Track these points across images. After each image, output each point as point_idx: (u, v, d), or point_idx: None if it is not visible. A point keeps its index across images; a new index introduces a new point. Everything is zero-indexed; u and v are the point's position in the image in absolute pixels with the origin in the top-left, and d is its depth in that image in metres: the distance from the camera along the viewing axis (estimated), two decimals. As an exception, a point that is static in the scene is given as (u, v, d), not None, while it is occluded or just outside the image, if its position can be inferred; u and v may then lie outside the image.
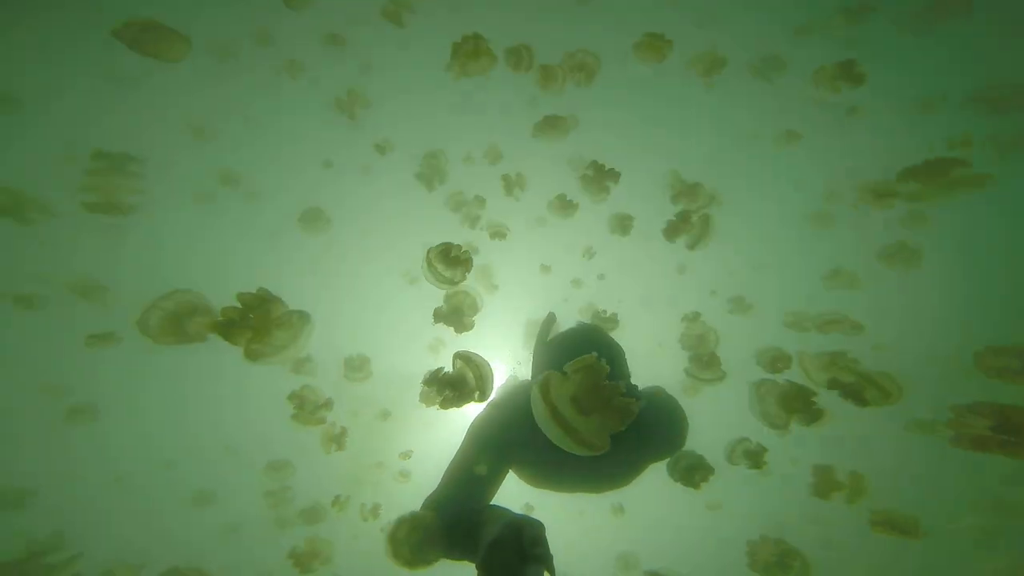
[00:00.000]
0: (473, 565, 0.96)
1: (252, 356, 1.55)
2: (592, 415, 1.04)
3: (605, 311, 3.73)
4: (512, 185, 3.94)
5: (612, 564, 4.05)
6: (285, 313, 1.58)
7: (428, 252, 1.69)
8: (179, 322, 3.22)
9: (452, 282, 1.75)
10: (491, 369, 1.93)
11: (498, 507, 1.18)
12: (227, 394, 4.53)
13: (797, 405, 2.02)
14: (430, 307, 2.68)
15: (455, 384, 1.75)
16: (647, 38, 2.92)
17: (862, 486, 3.15)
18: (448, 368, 1.81)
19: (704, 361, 3.64)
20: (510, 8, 4.33)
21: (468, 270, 1.73)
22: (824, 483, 3.14)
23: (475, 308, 2.87)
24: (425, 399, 1.79)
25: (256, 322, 1.54)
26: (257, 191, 4.97)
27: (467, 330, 2.67)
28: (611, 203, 3.67)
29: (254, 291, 1.59)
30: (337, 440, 3.24)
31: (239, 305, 1.54)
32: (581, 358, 1.10)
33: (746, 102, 4.54)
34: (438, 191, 4.69)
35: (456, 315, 2.62)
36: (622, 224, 3.45)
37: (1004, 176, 4.25)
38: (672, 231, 3.24)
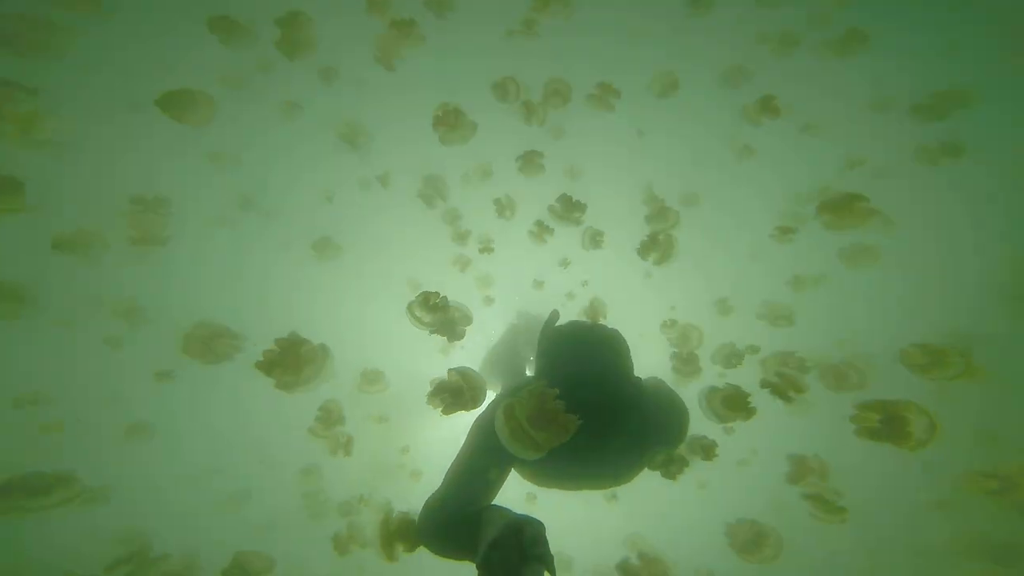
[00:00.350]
0: (474, 565, 0.97)
1: (284, 388, 1.97)
2: (543, 430, 1.25)
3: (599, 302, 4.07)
4: (503, 208, 4.32)
5: (611, 550, 4.44)
6: (310, 349, 2.00)
7: (409, 304, 2.08)
8: (210, 344, 3.76)
9: (432, 326, 2.13)
10: (483, 381, 2.33)
11: (499, 507, 1.20)
12: (251, 408, 5.03)
13: (737, 405, 2.39)
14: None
15: (454, 393, 2.14)
16: (598, 89, 3.27)
17: (826, 470, 3.50)
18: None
19: (684, 358, 4.01)
20: (491, 43, 4.70)
21: (446, 315, 2.12)
22: (798, 470, 3.49)
23: (467, 320, 3.26)
24: (431, 403, 2.18)
25: (288, 361, 1.96)
26: (272, 214, 5.44)
27: (459, 339, 3.04)
28: (590, 215, 4.09)
29: (287, 335, 2.01)
30: (344, 447, 3.55)
31: (276, 347, 1.97)
32: (531, 388, 1.25)
33: (713, 114, 4.91)
34: (437, 208, 5.10)
35: (449, 326, 2.99)
36: (594, 239, 3.80)
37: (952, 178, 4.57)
38: (644, 250, 3.64)
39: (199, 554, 3.43)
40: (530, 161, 3.43)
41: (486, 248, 4.78)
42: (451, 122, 2.57)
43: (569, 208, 3.00)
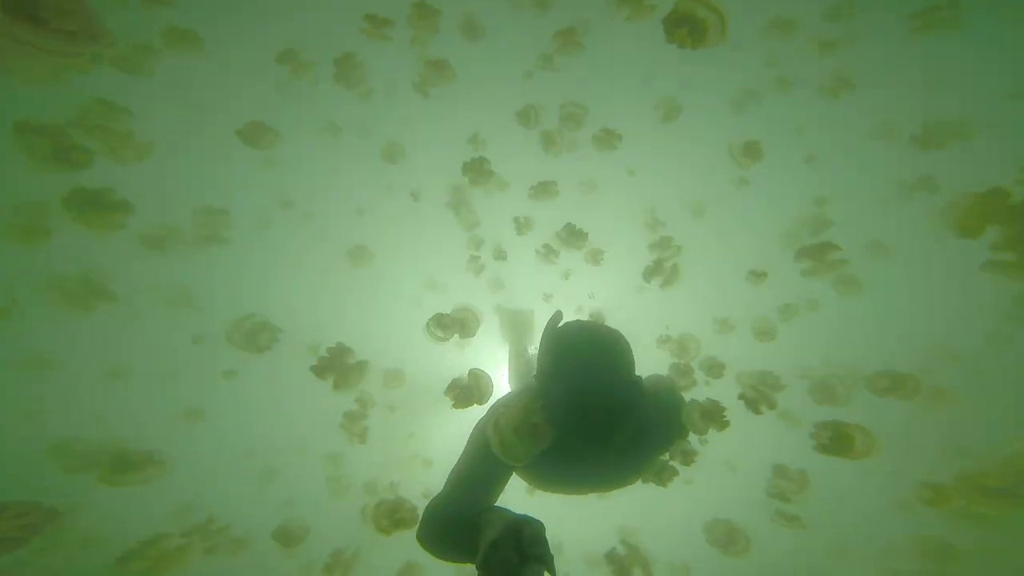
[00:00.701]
0: (474, 566, 0.95)
1: (336, 387, 2.37)
2: (525, 439, 1.38)
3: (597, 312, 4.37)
4: (522, 227, 4.68)
5: (602, 538, 4.78)
6: (357, 362, 2.40)
7: (428, 322, 2.47)
8: (254, 337, 4.23)
9: (446, 340, 2.53)
10: (491, 382, 2.62)
11: (499, 508, 1.18)
12: (282, 395, 5.50)
13: (713, 417, 2.71)
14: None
15: (465, 390, 2.51)
16: (602, 132, 3.63)
17: (805, 480, 3.81)
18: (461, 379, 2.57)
19: (682, 369, 4.33)
20: (516, 74, 5.07)
21: (456, 331, 2.51)
22: (778, 478, 3.81)
23: (478, 321, 3.68)
24: (447, 395, 2.43)
25: (339, 366, 2.36)
26: (311, 220, 5.90)
27: (471, 336, 3.36)
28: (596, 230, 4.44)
29: (335, 344, 2.42)
30: (360, 436, 3.93)
31: (327, 355, 2.37)
32: (522, 403, 1.36)
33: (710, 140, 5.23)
34: (460, 218, 5.49)
35: (463, 326, 3.40)
36: (595, 257, 4.16)
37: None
38: (649, 274, 3.99)
39: (239, 523, 3.89)
40: (543, 190, 3.78)
41: (500, 256, 5.22)
42: (477, 168, 2.94)
43: (572, 236, 3.35)
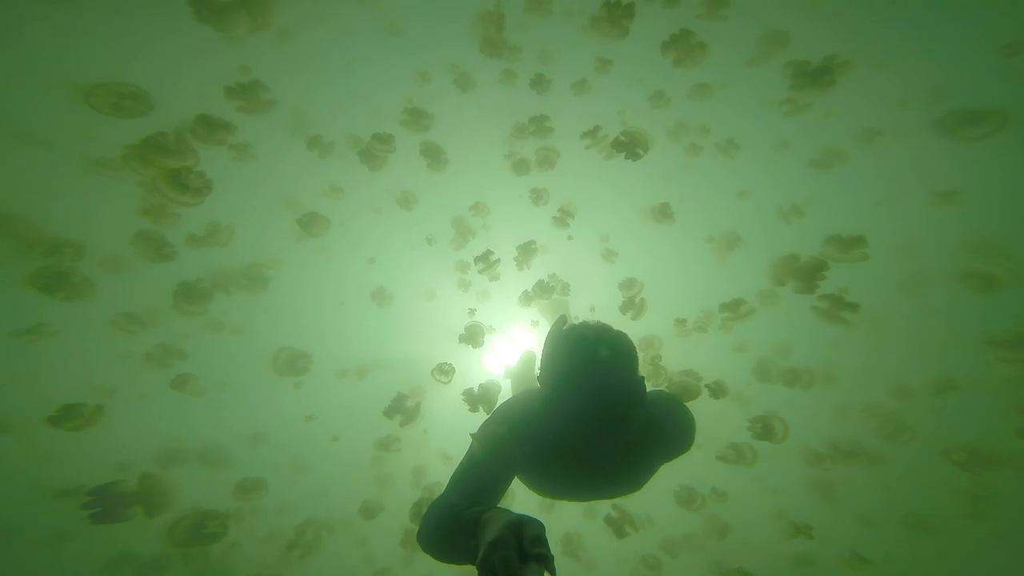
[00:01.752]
0: (474, 567, 0.87)
1: (401, 424, 2.89)
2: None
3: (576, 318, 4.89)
4: (522, 263, 5.18)
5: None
6: (413, 405, 2.91)
7: (432, 371, 3.02)
8: (293, 363, 4.72)
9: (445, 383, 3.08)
10: (497, 389, 3.02)
11: (499, 508, 1.07)
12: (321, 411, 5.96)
13: (691, 392, 3.30)
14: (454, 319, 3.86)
15: (474, 398, 2.91)
16: (561, 212, 4.22)
17: (755, 454, 4.50)
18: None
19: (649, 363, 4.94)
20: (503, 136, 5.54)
21: (453, 372, 3.07)
22: (733, 454, 4.48)
23: (484, 333, 4.23)
24: (463, 398, 2.90)
25: (402, 408, 2.88)
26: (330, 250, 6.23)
27: (480, 346, 3.83)
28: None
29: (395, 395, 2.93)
30: (386, 447, 4.46)
31: (393, 401, 2.88)
32: (487, 436, 1.38)
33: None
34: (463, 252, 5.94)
35: (473, 337, 3.95)
36: (564, 290, 4.73)
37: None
38: (624, 308, 4.57)
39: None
40: (526, 249, 4.35)
41: (493, 277, 5.73)
42: (488, 261, 3.51)
43: (543, 290, 3.93)
